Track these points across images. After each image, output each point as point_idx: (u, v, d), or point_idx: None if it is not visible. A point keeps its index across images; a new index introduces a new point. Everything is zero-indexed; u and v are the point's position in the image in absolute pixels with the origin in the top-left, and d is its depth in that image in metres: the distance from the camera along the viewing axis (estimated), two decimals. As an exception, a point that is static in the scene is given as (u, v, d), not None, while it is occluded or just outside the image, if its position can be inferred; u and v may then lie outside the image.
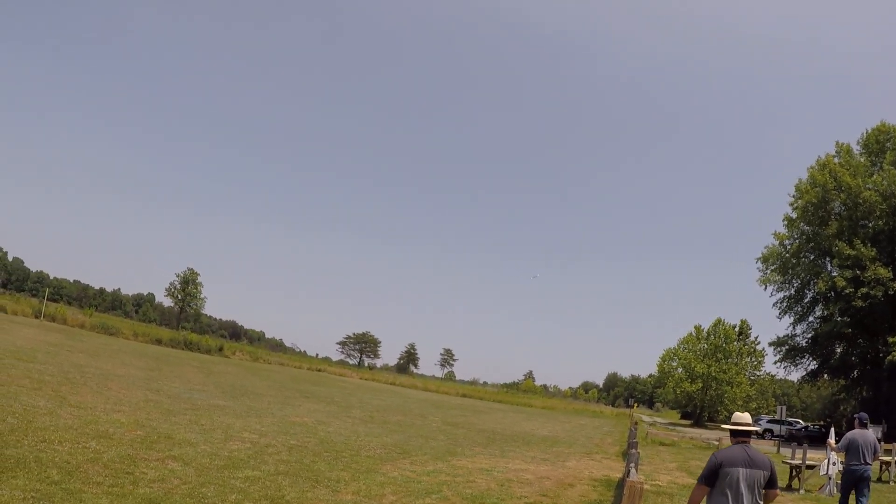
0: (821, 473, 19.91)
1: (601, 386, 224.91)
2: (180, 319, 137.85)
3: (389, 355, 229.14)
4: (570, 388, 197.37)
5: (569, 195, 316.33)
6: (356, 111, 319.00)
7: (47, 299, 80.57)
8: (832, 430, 24.62)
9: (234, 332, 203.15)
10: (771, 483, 7.13)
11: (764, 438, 57.99)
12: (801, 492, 20.36)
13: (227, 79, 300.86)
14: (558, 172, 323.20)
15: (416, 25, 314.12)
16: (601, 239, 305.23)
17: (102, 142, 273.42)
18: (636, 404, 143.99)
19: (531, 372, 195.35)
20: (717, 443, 39.50)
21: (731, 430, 7.40)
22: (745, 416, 7.45)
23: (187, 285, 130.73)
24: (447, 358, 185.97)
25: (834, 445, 17.26)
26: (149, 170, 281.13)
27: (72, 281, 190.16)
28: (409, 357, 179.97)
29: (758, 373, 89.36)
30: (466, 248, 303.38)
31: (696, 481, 7.43)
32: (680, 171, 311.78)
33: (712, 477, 7.07)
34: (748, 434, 7.29)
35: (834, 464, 18.43)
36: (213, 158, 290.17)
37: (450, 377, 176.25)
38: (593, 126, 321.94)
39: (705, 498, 7.22)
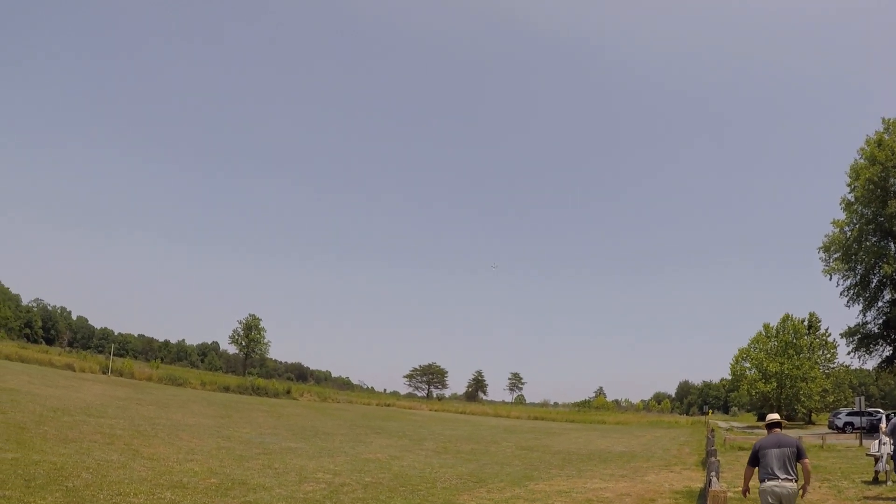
0: (869, 452, 21.71)
1: (673, 395, 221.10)
2: (246, 365, 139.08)
3: (457, 384, 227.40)
4: (642, 400, 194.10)
5: (617, 206, 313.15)
6: (400, 140, 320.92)
7: (113, 355, 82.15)
8: (883, 416, 30.06)
9: (300, 374, 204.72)
10: (799, 455, 10.22)
11: (845, 432, 56.40)
12: (889, 483, 19.64)
13: (268, 115, 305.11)
14: (605, 183, 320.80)
15: (449, 44, 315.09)
16: (653, 249, 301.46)
17: (150, 193, 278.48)
18: (711, 411, 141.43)
19: (601, 388, 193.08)
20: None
21: (766, 424, 10.92)
22: (775, 415, 11.02)
23: (250, 331, 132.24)
24: (515, 382, 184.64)
25: (884, 430, 20.45)
26: (200, 217, 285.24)
27: (136, 335, 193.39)
28: (478, 384, 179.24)
29: (832, 365, 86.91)
30: (524, 270, 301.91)
31: None
32: (729, 172, 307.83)
33: (755, 458, 10.40)
34: (777, 425, 10.73)
35: (885, 444, 19.88)
36: (262, 198, 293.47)
37: (520, 401, 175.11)
38: (636, 132, 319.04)
39: (755, 474, 10.44)
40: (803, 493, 10.57)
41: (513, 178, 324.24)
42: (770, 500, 9.96)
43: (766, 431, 10.88)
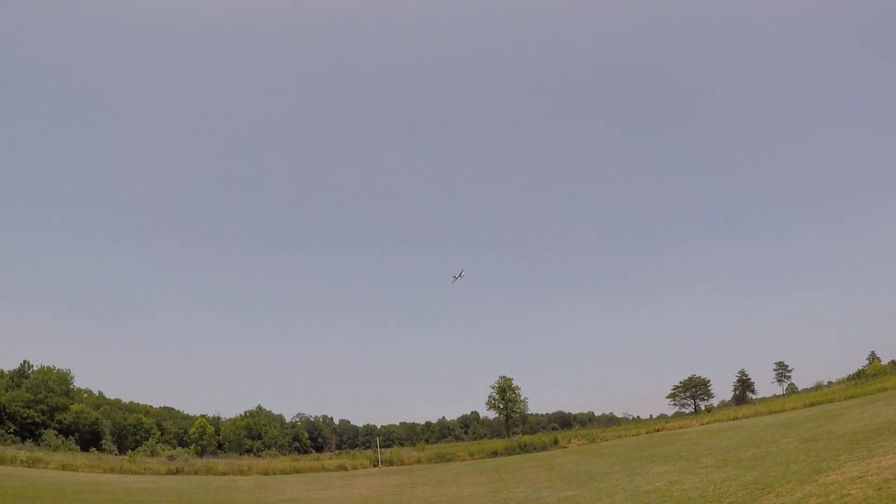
0: None
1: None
2: (509, 426, 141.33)
3: (723, 390, 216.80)
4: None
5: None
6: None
7: (380, 447, 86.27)
8: None
9: (563, 422, 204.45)
10: None
11: None
12: None
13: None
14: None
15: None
16: None
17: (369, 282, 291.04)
18: None
19: (873, 353, 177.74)
20: None
21: None
22: None
23: (505, 393, 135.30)
24: (781, 371, 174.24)
25: None
26: (427, 296, 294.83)
27: (398, 424, 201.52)
28: (744, 385, 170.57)
29: None
30: (763, 255, 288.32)
31: None
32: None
33: None
34: None
35: None
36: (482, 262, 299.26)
37: (791, 390, 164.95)
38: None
39: None
40: None
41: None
42: None
43: None
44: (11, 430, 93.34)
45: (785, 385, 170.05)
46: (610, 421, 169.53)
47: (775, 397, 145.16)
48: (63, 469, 55.36)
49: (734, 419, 78.76)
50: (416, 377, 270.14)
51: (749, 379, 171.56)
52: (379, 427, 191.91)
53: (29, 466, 53.83)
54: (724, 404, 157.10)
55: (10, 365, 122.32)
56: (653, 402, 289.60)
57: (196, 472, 59.55)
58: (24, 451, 62.09)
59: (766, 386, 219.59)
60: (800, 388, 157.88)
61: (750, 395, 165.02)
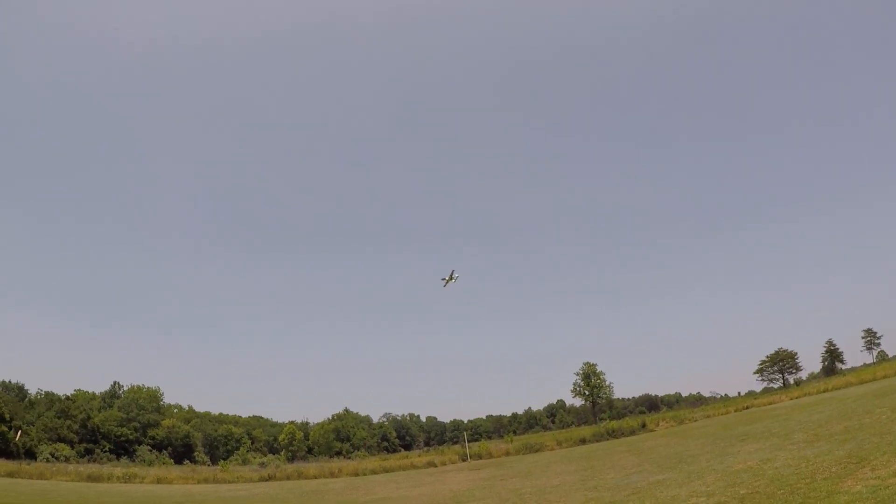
0: None
1: None
2: (595, 413, 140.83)
3: (811, 362, 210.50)
4: None
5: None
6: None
7: (468, 441, 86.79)
8: None
9: (651, 405, 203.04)
10: None
11: None
12: None
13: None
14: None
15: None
16: None
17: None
18: None
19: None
20: None
21: None
22: None
23: (590, 379, 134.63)
24: (871, 339, 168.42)
25: None
26: (506, 293, 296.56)
27: (484, 417, 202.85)
28: (832, 355, 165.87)
29: None
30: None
31: None
32: None
33: None
34: None
35: None
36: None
37: (882, 357, 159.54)
38: None
39: None
40: None
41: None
42: None
43: None
44: (106, 448, 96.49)
45: (875, 353, 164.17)
46: (697, 401, 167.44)
47: (865, 366, 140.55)
48: (158, 482, 56.94)
49: (824, 392, 76.77)
50: (501, 370, 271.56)
51: (837, 349, 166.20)
52: (466, 422, 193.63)
53: (125, 482, 55.43)
54: (813, 377, 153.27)
55: (101, 387, 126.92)
56: (740, 378, 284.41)
57: (288, 478, 60.64)
58: (119, 468, 63.93)
59: (855, 355, 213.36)
60: (891, 355, 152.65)
61: (839, 365, 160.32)
